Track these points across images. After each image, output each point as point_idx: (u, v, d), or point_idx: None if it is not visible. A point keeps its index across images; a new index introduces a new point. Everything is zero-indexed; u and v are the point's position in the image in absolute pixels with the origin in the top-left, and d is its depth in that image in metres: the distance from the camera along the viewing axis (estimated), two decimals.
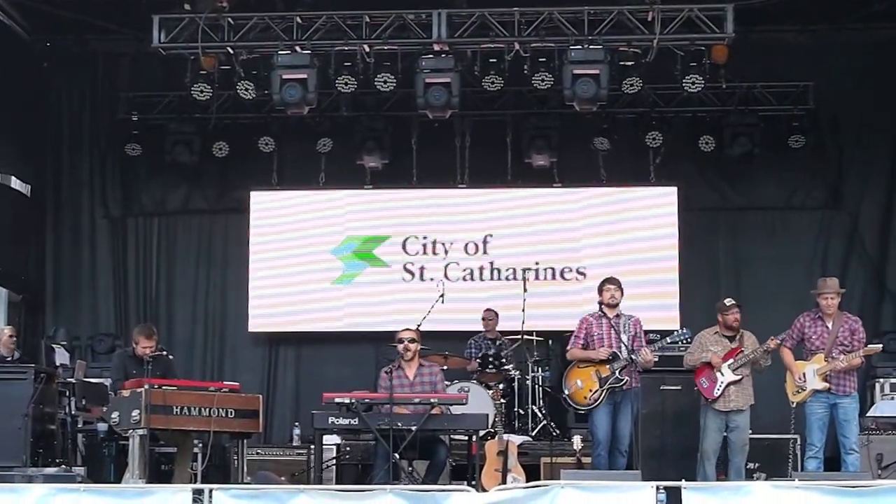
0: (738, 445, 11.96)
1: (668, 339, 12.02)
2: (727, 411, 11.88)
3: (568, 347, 12.18)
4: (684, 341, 12.08)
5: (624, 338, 11.88)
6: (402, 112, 16.46)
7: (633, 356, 11.77)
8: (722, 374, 11.88)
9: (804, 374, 11.78)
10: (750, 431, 12.27)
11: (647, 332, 12.42)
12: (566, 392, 12.07)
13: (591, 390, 11.86)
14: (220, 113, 16.54)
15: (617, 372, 11.81)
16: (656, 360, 12.07)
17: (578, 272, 16.65)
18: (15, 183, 16.52)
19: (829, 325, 11.83)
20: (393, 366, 11.95)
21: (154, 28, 14.25)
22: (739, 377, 11.89)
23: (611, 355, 11.87)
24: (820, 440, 11.75)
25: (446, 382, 12.90)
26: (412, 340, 11.99)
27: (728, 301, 12.19)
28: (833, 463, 11.96)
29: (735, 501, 9.75)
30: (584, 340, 12.04)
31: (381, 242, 16.89)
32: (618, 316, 12.05)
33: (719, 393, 11.85)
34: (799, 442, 13.37)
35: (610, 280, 12.21)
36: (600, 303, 12.14)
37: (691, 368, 12.09)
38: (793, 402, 11.98)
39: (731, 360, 11.90)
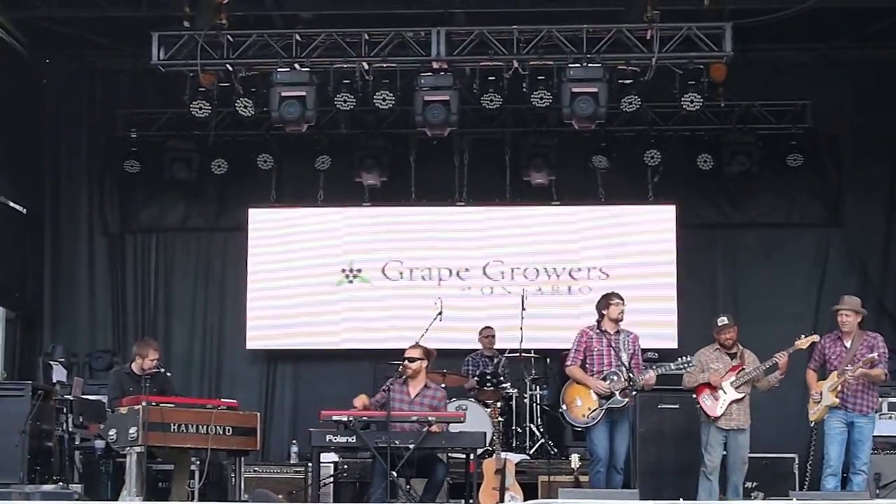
0: (738, 464, 11.97)
1: (673, 366, 11.99)
2: (729, 430, 11.88)
3: (567, 363, 12.11)
4: (687, 367, 12.05)
5: (623, 357, 11.83)
6: (401, 130, 16.48)
7: (632, 377, 11.71)
8: (724, 392, 11.88)
9: (820, 393, 11.79)
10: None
11: (644, 351, 12.43)
12: (563, 407, 12.05)
13: (589, 408, 11.83)
14: (219, 130, 16.53)
15: (617, 393, 11.78)
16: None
17: (577, 290, 16.63)
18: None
19: (848, 344, 11.84)
20: (390, 383, 11.92)
21: (153, 45, 14.24)
22: (742, 395, 11.89)
23: (610, 375, 11.83)
24: (838, 457, 11.75)
25: (448, 403, 12.86)
26: (411, 360, 11.93)
27: (721, 321, 12.18)
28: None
29: None
30: (583, 355, 12.00)
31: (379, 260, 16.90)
32: (617, 332, 12.02)
33: (722, 411, 11.85)
34: (797, 462, 13.40)
35: (618, 295, 12.12)
36: (602, 318, 12.07)
37: (691, 388, 12.08)
38: (811, 422, 11.98)
39: (732, 378, 11.90)
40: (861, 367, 11.67)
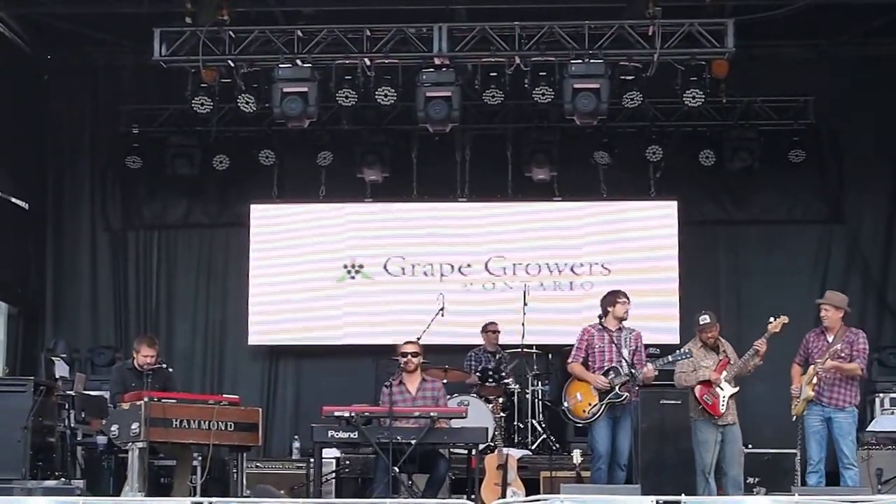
0: (736, 457, 11.98)
1: (671, 358, 11.98)
2: (725, 425, 11.90)
3: (569, 360, 12.12)
4: (684, 357, 12.03)
5: (625, 352, 11.84)
6: (403, 126, 16.48)
7: (633, 371, 11.74)
8: (721, 389, 11.88)
9: (799, 387, 11.79)
10: (750, 447, 12.30)
11: (646, 347, 12.41)
12: (565, 404, 12.05)
13: (590, 404, 11.84)
14: (221, 126, 16.55)
15: (617, 388, 11.78)
16: (656, 373, 12.05)
17: (578, 286, 16.64)
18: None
19: (830, 339, 11.83)
20: (393, 380, 11.96)
21: (155, 41, 14.26)
22: (737, 389, 11.92)
23: (610, 371, 11.84)
24: (818, 454, 11.75)
25: (447, 396, 12.88)
26: (414, 354, 12.00)
27: (703, 319, 12.13)
28: (835, 477, 11.94)
29: None
30: (584, 353, 12.00)
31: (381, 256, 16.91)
32: (620, 329, 12.01)
33: (724, 409, 11.86)
34: (799, 456, 13.38)
35: (625, 294, 12.10)
36: (606, 314, 12.05)
37: (686, 388, 12.06)
38: (792, 416, 11.96)
39: (724, 373, 11.92)
40: (829, 359, 11.64)
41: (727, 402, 11.89)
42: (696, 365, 12.02)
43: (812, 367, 11.77)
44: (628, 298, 12.07)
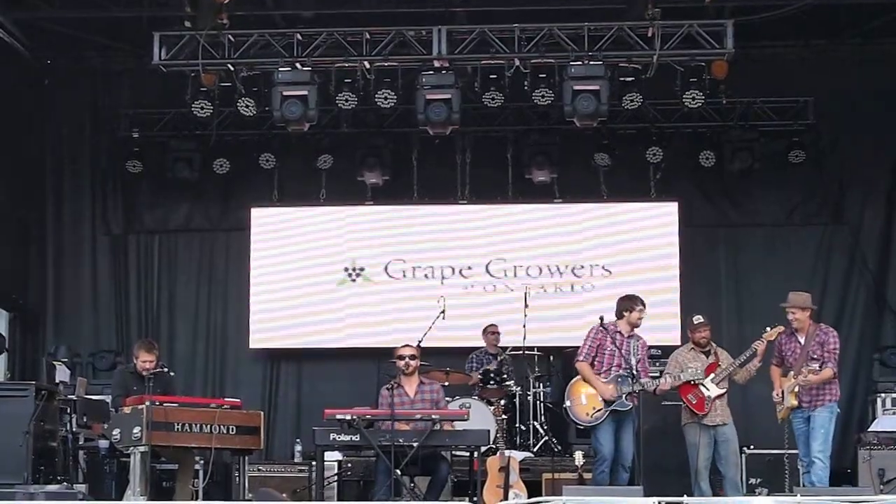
0: (730, 458, 11.98)
1: (683, 376, 11.97)
2: (715, 425, 11.90)
3: (579, 358, 12.02)
4: (696, 379, 12.05)
5: (633, 361, 11.83)
6: (403, 128, 16.48)
7: (639, 381, 11.72)
8: (707, 389, 11.90)
9: (781, 393, 11.77)
10: (752, 447, 12.29)
11: (648, 349, 12.41)
12: (568, 404, 12.02)
13: (594, 408, 11.81)
14: (221, 130, 16.54)
15: (624, 397, 11.77)
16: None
17: (579, 288, 16.64)
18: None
19: (802, 341, 11.80)
20: (394, 382, 11.95)
21: (154, 45, 14.27)
22: (724, 390, 11.95)
23: (618, 379, 11.82)
24: (807, 455, 11.73)
25: (447, 398, 12.87)
26: (412, 357, 11.98)
27: (696, 319, 12.23)
28: (839, 477, 11.94)
29: None
30: (594, 352, 11.97)
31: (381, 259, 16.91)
32: (630, 336, 12.01)
33: (708, 408, 11.87)
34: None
35: (641, 301, 12.08)
36: (620, 318, 12.04)
37: (673, 388, 12.07)
38: (778, 420, 11.94)
39: (711, 375, 11.94)
40: (805, 377, 11.59)
41: (713, 403, 11.90)
42: (682, 367, 12.05)
43: (793, 378, 11.71)
44: (644, 305, 12.06)
